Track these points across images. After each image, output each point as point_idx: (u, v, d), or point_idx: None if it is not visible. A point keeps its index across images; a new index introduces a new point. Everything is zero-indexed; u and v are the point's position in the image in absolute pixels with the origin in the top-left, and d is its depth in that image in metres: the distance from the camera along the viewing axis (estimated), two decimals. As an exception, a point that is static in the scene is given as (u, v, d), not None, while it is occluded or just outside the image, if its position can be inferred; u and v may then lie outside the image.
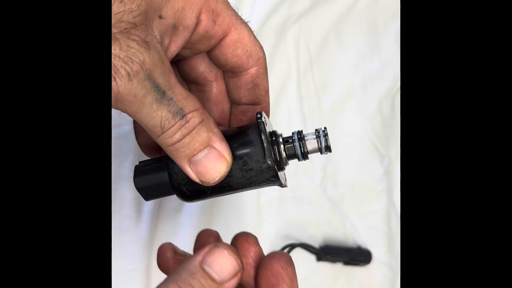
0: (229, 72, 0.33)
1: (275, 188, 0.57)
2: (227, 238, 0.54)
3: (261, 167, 0.28)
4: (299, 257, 0.56)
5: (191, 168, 0.28)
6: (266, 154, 0.28)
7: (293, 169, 0.58)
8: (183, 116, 0.26)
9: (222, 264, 0.25)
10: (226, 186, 0.29)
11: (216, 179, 0.28)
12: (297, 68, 0.59)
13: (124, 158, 0.52)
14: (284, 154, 0.30)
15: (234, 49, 0.30)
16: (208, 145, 0.27)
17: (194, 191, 0.29)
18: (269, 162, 0.28)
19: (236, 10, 0.31)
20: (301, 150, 0.30)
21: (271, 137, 0.29)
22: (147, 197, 0.31)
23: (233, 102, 0.34)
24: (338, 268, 0.57)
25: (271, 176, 0.29)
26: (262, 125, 0.28)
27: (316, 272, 0.56)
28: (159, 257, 0.32)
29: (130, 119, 0.52)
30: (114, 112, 0.49)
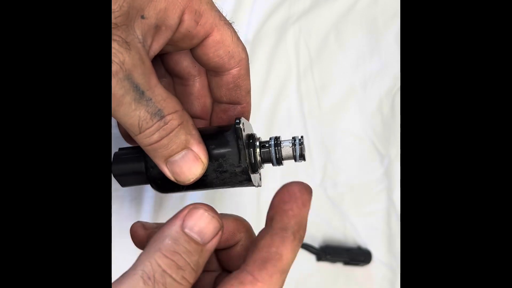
0: (211, 71, 0.33)
1: (275, 188, 0.57)
2: (227, 238, 0.54)
3: (235, 170, 0.29)
4: (299, 257, 0.56)
5: (167, 168, 0.28)
6: (241, 160, 0.29)
7: (293, 169, 0.58)
8: (162, 117, 0.26)
9: (203, 225, 0.25)
10: (200, 184, 0.30)
11: (191, 180, 0.29)
12: (297, 68, 0.59)
13: (124, 158, 0.52)
14: (259, 158, 0.31)
15: (216, 49, 0.31)
16: (185, 147, 0.28)
17: (168, 186, 0.30)
18: (243, 166, 0.29)
19: (221, 11, 0.31)
20: (275, 156, 0.31)
21: (248, 140, 0.30)
22: (123, 184, 0.32)
23: (215, 100, 0.35)
24: (338, 268, 0.57)
25: (244, 179, 0.30)
26: (239, 131, 0.29)
27: (316, 272, 0.56)
28: (133, 237, 0.32)
29: (130, 119, 0.52)
30: (114, 112, 0.49)
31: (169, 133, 0.27)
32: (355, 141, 0.59)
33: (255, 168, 0.31)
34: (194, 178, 0.29)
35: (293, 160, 0.31)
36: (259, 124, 0.59)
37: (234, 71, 0.32)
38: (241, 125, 0.29)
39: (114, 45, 0.24)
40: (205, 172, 0.29)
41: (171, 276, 0.23)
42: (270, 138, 0.31)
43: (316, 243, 0.57)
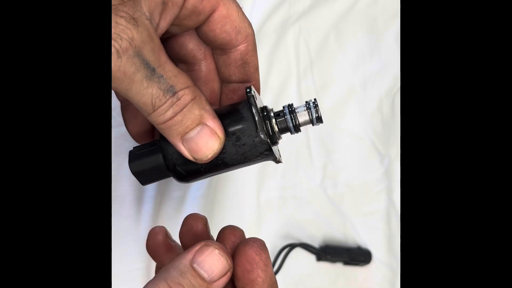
0: (218, 49, 0.33)
1: (275, 188, 0.57)
2: (227, 238, 0.54)
3: (254, 141, 0.28)
4: (299, 257, 0.56)
5: (184, 146, 0.28)
6: (258, 128, 0.28)
7: (293, 169, 0.58)
8: (174, 93, 0.26)
9: (212, 263, 0.25)
10: (221, 163, 0.29)
11: (209, 156, 0.28)
12: (297, 68, 0.59)
13: (124, 158, 0.51)
14: (276, 128, 0.30)
15: (223, 25, 0.30)
16: (200, 122, 0.27)
17: (189, 171, 0.29)
18: (261, 135, 0.28)
19: None
20: (293, 123, 0.30)
21: (262, 112, 0.30)
22: (144, 181, 0.31)
23: (223, 81, 0.34)
24: (338, 268, 0.57)
25: (264, 149, 0.29)
26: (252, 99, 0.28)
27: (316, 272, 0.56)
28: (150, 239, 0.32)
29: (130, 119, 0.52)
30: (114, 112, 0.49)
31: (183, 109, 0.26)
32: (355, 141, 0.59)
33: (274, 139, 0.30)
34: (212, 154, 0.28)
35: (311, 125, 0.30)
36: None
37: (242, 47, 0.32)
38: (252, 92, 0.29)
39: (121, 21, 0.24)
40: (224, 149, 0.28)
41: None
42: (283, 107, 0.31)
43: (316, 243, 0.57)
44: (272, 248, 0.55)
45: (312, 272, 0.56)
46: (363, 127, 0.59)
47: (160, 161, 0.30)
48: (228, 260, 0.26)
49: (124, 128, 0.52)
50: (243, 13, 0.31)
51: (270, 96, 0.58)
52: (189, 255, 0.26)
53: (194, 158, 0.28)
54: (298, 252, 0.56)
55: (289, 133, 0.31)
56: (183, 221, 0.33)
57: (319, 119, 0.30)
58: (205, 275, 0.25)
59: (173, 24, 0.29)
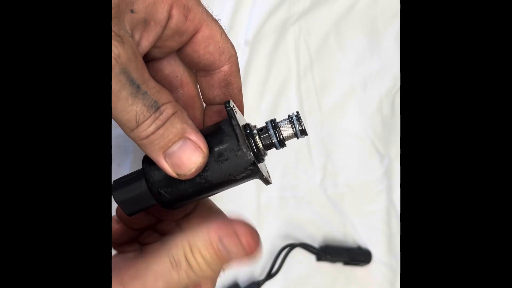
0: (201, 71, 0.33)
1: (275, 188, 0.57)
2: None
3: (236, 155, 0.28)
4: (299, 257, 0.56)
5: (166, 161, 0.27)
6: (240, 141, 0.27)
7: (293, 169, 0.58)
8: (157, 108, 0.26)
9: (234, 249, 0.26)
10: (204, 182, 0.28)
11: (193, 170, 0.28)
12: (297, 68, 0.59)
13: (124, 158, 0.52)
14: (260, 145, 0.29)
15: (206, 45, 0.30)
16: (182, 136, 0.27)
17: (172, 193, 0.29)
18: (243, 149, 0.27)
19: (208, 9, 0.31)
20: (277, 138, 0.29)
21: (245, 130, 0.29)
22: (129, 211, 0.30)
23: (207, 103, 0.34)
24: (338, 268, 0.57)
25: (248, 164, 0.28)
26: (231, 112, 0.28)
27: (316, 272, 0.56)
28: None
29: (130, 119, 0.52)
30: (114, 112, 0.49)
31: (165, 123, 0.26)
32: (355, 141, 0.59)
33: (259, 157, 0.29)
34: (195, 168, 0.28)
35: (296, 138, 0.30)
36: (259, 124, 0.59)
37: (226, 68, 0.32)
38: (231, 105, 0.28)
39: None
40: (207, 167, 0.28)
41: (192, 267, 0.26)
42: (266, 123, 0.30)
43: (316, 243, 0.57)
44: (272, 248, 0.55)
45: (312, 272, 0.56)
46: (363, 127, 0.59)
47: (144, 187, 0.29)
48: (254, 250, 0.27)
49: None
50: (226, 34, 0.31)
51: (270, 96, 0.58)
52: (217, 233, 0.26)
53: (177, 174, 0.28)
54: (298, 252, 0.56)
55: (274, 149, 0.30)
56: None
57: (303, 132, 0.29)
58: (226, 255, 0.26)
59: (155, 46, 0.29)
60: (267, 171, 0.32)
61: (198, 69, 0.33)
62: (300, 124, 0.29)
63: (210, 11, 0.31)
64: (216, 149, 0.28)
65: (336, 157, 0.58)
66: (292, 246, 0.55)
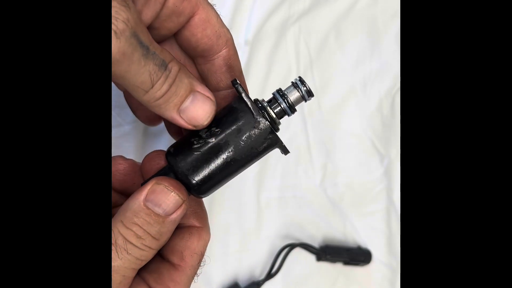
0: (200, 57, 0.33)
1: (275, 188, 0.57)
2: (227, 239, 0.54)
3: (254, 127, 0.29)
4: (299, 257, 0.56)
5: (182, 118, 0.28)
6: (254, 113, 0.29)
7: (293, 169, 0.58)
8: (166, 67, 0.27)
9: (164, 200, 0.27)
10: (231, 161, 0.29)
11: (208, 119, 0.29)
12: (297, 68, 0.59)
13: (124, 158, 0.52)
14: (272, 114, 0.30)
15: (204, 28, 0.31)
16: (192, 90, 0.28)
17: (203, 178, 0.29)
18: (259, 119, 0.29)
19: (221, 11, 0.31)
20: (286, 104, 0.31)
21: (256, 104, 0.30)
22: None
23: (212, 90, 0.34)
24: (338, 268, 0.57)
25: (267, 133, 0.29)
26: (240, 88, 0.29)
27: (316, 272, 0.56)
28: (145, 163, 0.33)
29: (130, 119, 0.52)
30: (114, 112, 0.49)
31: (175, 79, 0.27)
32: (355, 141, 0.59)
33: (275, 126, 0.30)
34: (209, 117, 0.29)
35: (304, 101, 0.31)
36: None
37: (224, 52, 0.32)
38: (238, 82, 0.29)
39: (114, 4, 0.24)
40: (229, 145, 0.29)
41: (131, 243, 0.26)
42: (273, 93, 0.31)
43: (316, 243, 0.57)
44: (272, 248, 0.55)
45: (312, 272, 0.56)
46: (363, 127, 0.59)
47: (172, 178, 0.30)
48: (180, 194, 0.27)
49: (124, 128, 0.52)
50: (221, 19, 0.32)
51: (270, 96, 0.58)
52: (141, 195, 0.27)
53: (194, 126, 0.29)
54: (298, 252, 0.56)
55: (287, 117, 0.31)
56: (145, 157, 0.33)
57: (309, 93, 0.31)
58: (159, 211, 0.27)
59: (153, 27, 0.30)
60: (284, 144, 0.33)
61: (196, 55, 0.33)
62: (305, 85, 0.31)
63: (224, 14, 0.31)
64: (234, 127, 0.29)
65: (336, 157, 0.58)
66: (292, 246, 0.55)
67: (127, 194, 0.33)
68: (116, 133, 0.51)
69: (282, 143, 0.30)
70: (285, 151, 0.31)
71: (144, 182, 0.31)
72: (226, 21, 0.58)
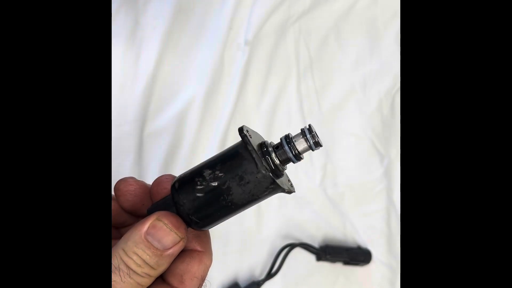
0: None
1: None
2: (227, 239, 0.54)
3: (257, 177, 0.29)
4: (299, 257, 0.56)
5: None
6: (258, 165, 0.29)
7: (293, 169, 0.57)
8: None
9: (163, 236, 0.28)
10: (231, 205, 0.30)
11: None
12: (297, 68, 0.59)
13: (124, 158, 0.52)
14: (277, 161, 0.30)
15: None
16: None
17: (202, 218, 0.30)
18: (263, 171, 0.29)
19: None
20: (292, 153, 0.30)
21: (262, 149, 0.30)
22: None
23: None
24: (338, 268, 0.57)
25: (269, 184, 0.29)
26: (246, 138, 0.29)
27: (316, 272, 0.56)
28: (155, 186, 0.34)
29: (130, 119, 0.52)
30: (114, 111, 0.49)
31: None
32: (355, 141, 0.59)
33: (278, 173, 0.30)
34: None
35: (311, 150, 0.31)
36: (259, 124, 0.59)
37: None
38: (245, 131, 0.29)
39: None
40: (231, 190, 0.29)
41: (132, 269, 0.27)
42: (281, 139, 0.31)
43: (316, 243, 0.57)
44: (272, 248, 0.55)
45: (312, 272, 0.56)
46: (363, 127, 0.59)
47: (174, 211, 0.30)
48: (179, 233, 0.29)
49: (124, 128, 0.52)
50: None
51: (270, 96, 0.58)
52: (143, 228, 0.28)
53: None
54: (298, 252, 0.56)
55: (292, 163, 0.31)
56: (155, 181, 0.33)
57: (317, 144, 0.30)
58: (158, 245, 0.28)
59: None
60: (289, 180, 0.33)
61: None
62: (313, 136, 0.30)
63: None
64: (237, 173, 0.29)
65: (336, 157, 0.58)
66: (292, 246, 0.55)
67: (136, 214, 0.34)
68: (116, 133, 0.51)
69: (285, 189, 0.30)
70: (289, 193, 0.31)
71: (149, 210, 0.32)
72: (226, 21, 0.59)
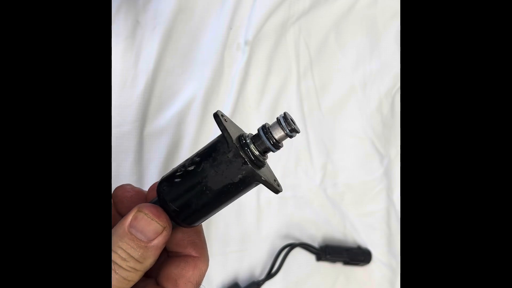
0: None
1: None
2: (227, 240, 0.54)
3: (228, 156, 0.29)
4: (299, 257, 0.56)
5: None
6: (229, 142, 0.29)
7: (293, 169, 0.58)
8: None
9: (145, 227, 0.28)
10: (205, 189, 0.29)
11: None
12: (297, 68, 0.59)
13: (124, 158, 0.52)
14: (256, 152, 0.30)
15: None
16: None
17: (181, 207, 0.30)
18: (232, 149, 0.29)
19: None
20: (270, 142, 0.30)
21: (240, 141, 0.30)
22: None
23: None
24: (338, 268, 0.57)
25: (242, 163, 0.29)
26: (218, 118, 0.29)
27: (316, 272, 0.56)
28: (122, 196, 0.34)
29: (130, 119, 0.52)
30: (114, 111, 0.49)
31: None
32: (355, 141, 0.59)
33: (259, 163, 0.30)
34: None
35: (289, 138, 0.31)
36: (259, 124, 0.59)
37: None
38: (219, 114, 0.30)
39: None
40: (204, 172, 0.29)
41: (117, 263, 0.28)
42: (258, 130, 0.31)
43: (316, 243, 0.57)
44: (272, 248, 0.55)
45: (312, 272, 0.56)
46: (363, 127, 0.59)
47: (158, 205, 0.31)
48: (160, 222, 0.29)
49: (124, 128, 0.52)
50: None
51: (270, 96, 0.58)
52: (126, 221, 0.28)
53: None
54: (298, 252, 0.56)
55: (271, 152, 0.31)
56: (151, 187, 0.34)
57: (293, 131, 0.30)
58: (142, 237, 0.28)
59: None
60: (276, 180, 0.33)
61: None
62: (289, 124, 0.30)
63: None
64: (211, 155, 0.29)
65: (336, 157, 0.58)
66: (292, 246, 0.55)
67: None
68: (116, 133, 0.51)
69: (261, 177, 0.29)
70: (273, 190, 0.31)
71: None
72: (226, 21, 0.59)
